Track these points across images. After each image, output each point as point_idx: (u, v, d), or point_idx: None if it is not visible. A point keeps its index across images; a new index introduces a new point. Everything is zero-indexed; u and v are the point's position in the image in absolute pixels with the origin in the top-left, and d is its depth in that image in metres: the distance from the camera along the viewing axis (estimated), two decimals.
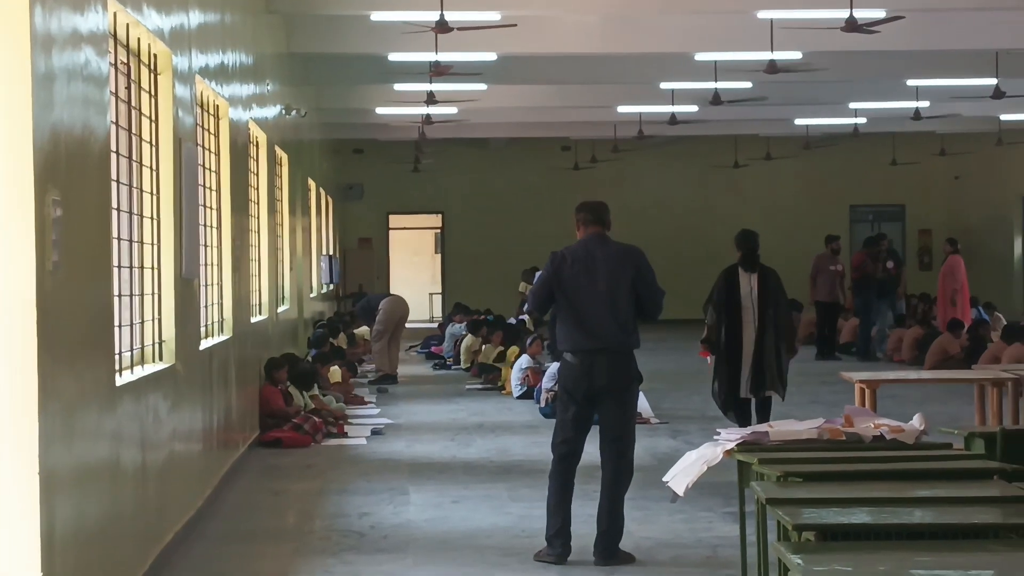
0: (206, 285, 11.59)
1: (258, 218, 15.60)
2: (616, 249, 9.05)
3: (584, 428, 9.05)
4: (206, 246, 11.60)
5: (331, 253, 31.35)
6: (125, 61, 8.56)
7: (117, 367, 7.70)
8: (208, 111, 12.01)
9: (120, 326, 8.00)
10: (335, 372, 18.34)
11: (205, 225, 11.51)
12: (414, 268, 38.78)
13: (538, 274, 9.47)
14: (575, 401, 8.98)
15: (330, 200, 31.51)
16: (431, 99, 22.32)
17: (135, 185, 8.82)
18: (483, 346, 22.16)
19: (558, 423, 9.11)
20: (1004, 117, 29.95)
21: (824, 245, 25.50)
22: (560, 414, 9.14)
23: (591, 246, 9.02)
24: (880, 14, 16.35)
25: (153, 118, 9.26)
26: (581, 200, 9.36)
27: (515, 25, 16.99)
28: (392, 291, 29.04)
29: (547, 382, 16.66)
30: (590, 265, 8.94)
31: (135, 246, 8.76)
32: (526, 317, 24.35)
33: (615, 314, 8.87)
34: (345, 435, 14.91)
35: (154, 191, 9.21)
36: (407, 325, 22.60)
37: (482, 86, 22.77)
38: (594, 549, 8.89)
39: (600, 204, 9.26)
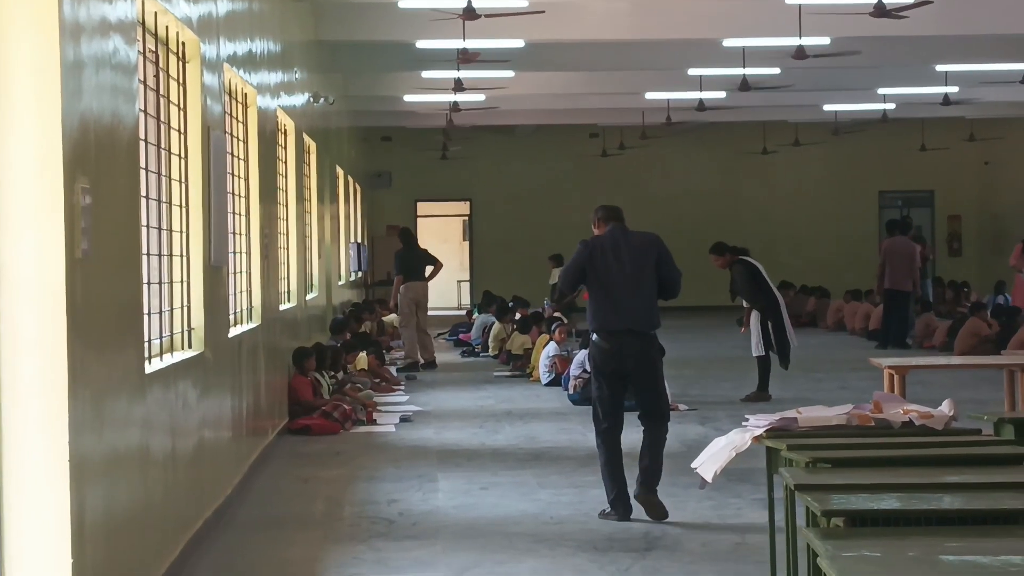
0: (235, 273, 11.61)
1: (286, 206, 15.62)
2: (639, 237, 10.01)
3: (620, 401, 9.87)
4: (235, 234, 11.62)
5: (359, 240, 31.38)
6: (153, 49, 8.59)
7: (147, 355, 7.73)
8: (236, 99, 12.02)
9: (149, 314, 8.03)
10: (362, 359, 18.36)
11: (234, 213, 11.53)
12: (442, 255, 38.49)
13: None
14: (606, 378, 9.79)
15: (358, 188, 31.54)
16: (459, 86, 22.30)
17: (164, 173, 8.84)
18: (511, 334, 22.11)
19: (595, 400, 9.90)
20: None
21: (899, 232, 24.41)
22: (596, 392, 9.89)
23: (616, 235, 9.94)
24: None
25: (181, 106, 9.27)
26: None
27: (543, 12, 16.97)
28: None
29: (575, 369, 16.66)
30: (618, 251, 9.84)
31: (164, 234, 8.78)
32: (547, 307, 24.04)
33: (641, 295, 9.77)
34: (374, 422, 14.95)
35: (183, 179, 9.23)
36: (436, 313, 22.53)
37: (510, 73, 22.75)
38: (636, 484, 9.61)
39: (615, 207, 10.21)
